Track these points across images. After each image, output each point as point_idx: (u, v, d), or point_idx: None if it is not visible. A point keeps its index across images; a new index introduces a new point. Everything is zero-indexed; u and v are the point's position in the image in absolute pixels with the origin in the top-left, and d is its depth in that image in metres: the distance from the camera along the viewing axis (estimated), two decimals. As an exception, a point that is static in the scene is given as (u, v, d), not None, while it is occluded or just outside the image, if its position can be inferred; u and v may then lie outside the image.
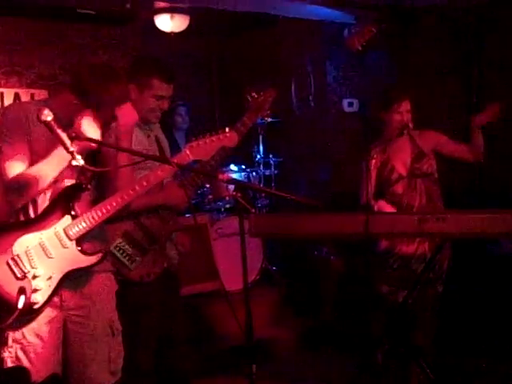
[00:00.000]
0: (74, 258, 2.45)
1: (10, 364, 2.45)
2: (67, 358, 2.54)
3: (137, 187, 2.50)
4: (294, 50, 5.96)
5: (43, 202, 2.47)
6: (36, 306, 2.41)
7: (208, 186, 5.19)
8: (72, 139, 2.34)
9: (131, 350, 2.74)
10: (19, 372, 2.44)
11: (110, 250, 2.87)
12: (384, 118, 3.72)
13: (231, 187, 5.12)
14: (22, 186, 2.39)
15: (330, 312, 4.97)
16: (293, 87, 5.98)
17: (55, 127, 2.34)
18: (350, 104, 5.59)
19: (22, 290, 2.37)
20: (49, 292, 2.42)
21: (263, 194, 5.65)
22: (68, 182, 2.49)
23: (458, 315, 4.19)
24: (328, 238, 4.29)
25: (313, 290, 5.11)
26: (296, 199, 2.57)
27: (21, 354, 2.45)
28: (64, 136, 2.34)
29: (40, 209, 2.47)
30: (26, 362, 2.45)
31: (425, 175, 3.67)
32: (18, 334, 2.44)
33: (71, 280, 2.47)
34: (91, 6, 4.68)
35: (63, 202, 2.45)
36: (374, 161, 3.69)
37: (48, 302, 2.43)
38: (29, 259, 2.40)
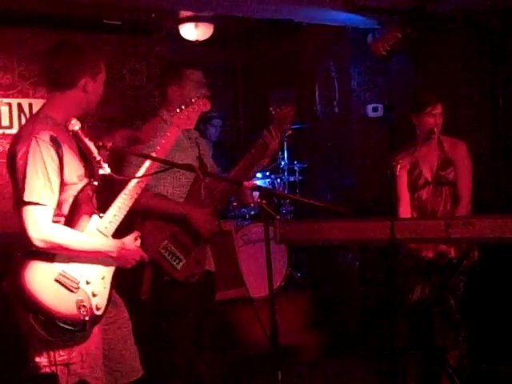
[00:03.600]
0: None
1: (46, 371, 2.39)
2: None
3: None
4: (318, 55, 5.96)
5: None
6: (100, 312, 2.40)
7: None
8: (99, 148, 2.38)
9: (169, 351, 2.77)
10: (48, 379, 2.42)
11: (159, 250, 2.94)
12: (415, 120, 3.68)
13: (256, 194, 5.14)
14: None
15: (355, 318, 4.94)
16: (317, 93, 5.97)
17: (83, 136, 2.40)
18: (375, 109, 5.55)
19: (80, 302, 2.34)
20: (107, 292, 2.44)
21: (288, 201, 5.65)
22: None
23: (491, 321, 4.12)
24: (353, 244, 4.27)
25: (337, 296, 5.09)
26: (321, 205, 2.56)
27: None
28: (91, 145, 2.38)
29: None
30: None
31: (450, 183, 3.63)
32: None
33: None
34: (118, 17, 4.75)
35: (85, 205, 2.43)
36: (398, 166, 3.65)
37: (109, 303, 2.44)
38: (75, 269, 2.38)
